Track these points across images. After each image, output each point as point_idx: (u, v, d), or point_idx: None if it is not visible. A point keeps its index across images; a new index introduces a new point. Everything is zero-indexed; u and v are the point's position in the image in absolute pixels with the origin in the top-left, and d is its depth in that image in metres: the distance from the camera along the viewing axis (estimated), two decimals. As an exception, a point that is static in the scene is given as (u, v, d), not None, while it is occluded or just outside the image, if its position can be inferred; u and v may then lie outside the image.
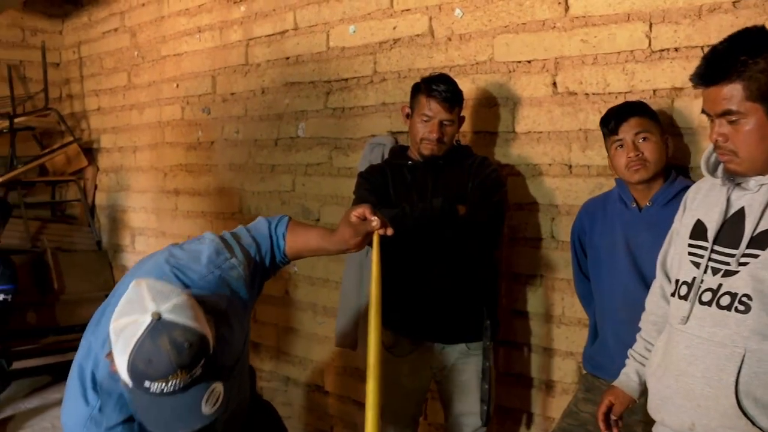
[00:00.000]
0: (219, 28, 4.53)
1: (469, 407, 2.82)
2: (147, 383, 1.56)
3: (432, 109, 2.76)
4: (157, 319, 1.56)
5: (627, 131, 2.42)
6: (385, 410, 2.91)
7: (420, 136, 2.80)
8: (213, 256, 1.96)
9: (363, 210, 1.98)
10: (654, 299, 2.11)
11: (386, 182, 2.87)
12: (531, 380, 3.16)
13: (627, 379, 2.15)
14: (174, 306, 1.59)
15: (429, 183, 2.81)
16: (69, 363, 5.43)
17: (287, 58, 4.07)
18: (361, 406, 3.84)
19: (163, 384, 1.55)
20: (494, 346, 2.92)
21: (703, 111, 1.80)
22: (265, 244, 2.10)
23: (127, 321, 1.58)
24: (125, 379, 1.60)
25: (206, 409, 1.61)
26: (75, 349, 5.50)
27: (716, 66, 1.72)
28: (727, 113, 1.72)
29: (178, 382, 1.55)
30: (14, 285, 4.57)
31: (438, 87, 2.75)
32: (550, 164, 3.02)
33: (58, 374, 5.27)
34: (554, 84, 2.98)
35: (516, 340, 3.18)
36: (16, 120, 5.57)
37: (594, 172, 2.89)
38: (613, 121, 2.46)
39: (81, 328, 5.41)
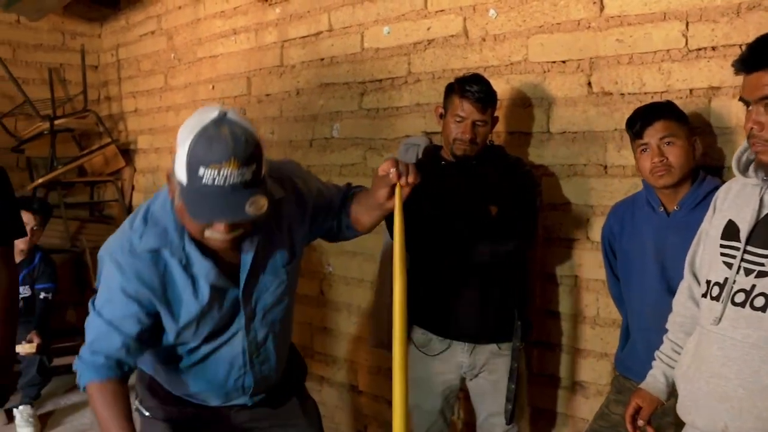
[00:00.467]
0: (254, 30, 4.56)
1: (500, 408, 2.82)
2: (201, 170, 1.61)
3: (465, 109, 2.76)
4: (224, 114, 1.67)
5: (652, 135, 2.38)
6: (416, 409, 2.95)
7: (453, 136, 2.80)
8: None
9: (387, 164, 1.89)
10: (681, 300, 2.08)
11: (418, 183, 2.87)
12: (564, 381, 3.15)
13: (654, 380, 2.12)
14: (241, 117, 1.71)
15: (462, 183, 2.81)
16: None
17: (322, 59, 4.10)
18: (394, 405, 3.85)
19: (215, 172, 1.60)
20: (528, 347, 2.92)
21: (741, 99, 1.77)
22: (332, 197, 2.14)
23: (195, 120, 1.68)
24: (181, 173, 1.66)
25: (250, 209, 1.65)
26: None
27: (760, 52, 1.70)
28: (766, 98, 1.69)
29: (229, 173, 1.60)
30: (54, 284, 4.66)
31: (471, 87, 2.75)
32: (585, 164, 3.00)
33: (97, 372, 5.35)
34: (589, 84, 2.96)
35: (550, 341, 3.17)
36: (56, 122, 5.65)
37: (629, 173, 2.86)
38: (638, 123, 2.42)
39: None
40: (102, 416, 1.78)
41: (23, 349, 4.37)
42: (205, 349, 1.96)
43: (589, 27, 2.93)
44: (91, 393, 1.82)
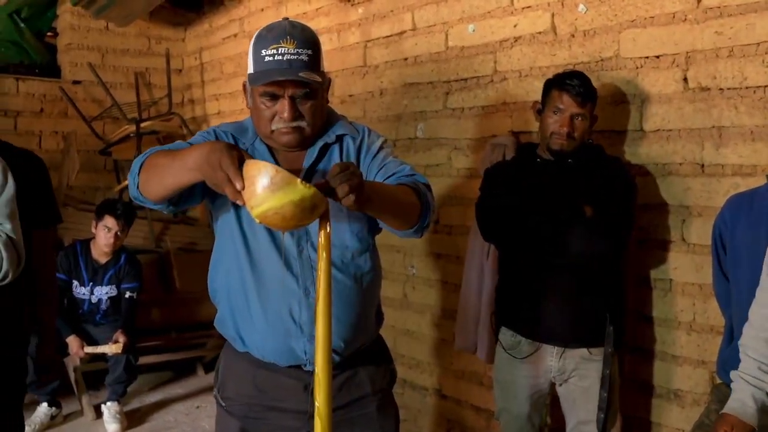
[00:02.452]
0: (337, 30, 4.56)
1: (590, 415, 2.75)
2: (263, 52, 1.84)
3: (564, 102, 2.72)
4: (286, 18, 1.93)
5: None
6: (503, 413, 2.90)
7: (550, 130, 2.76)
8: None
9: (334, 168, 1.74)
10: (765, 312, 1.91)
11: (513, 180, 2.82)
12: (659, 389, 3.03)
13: (741, 405, 1.93)
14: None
15: (557, 182, 2.74)
16: (190, 360, 5.62)
17: (405, 58, 4.06)
18: (479, 410, 3.79)
19: (275, 50, 1.83)
20: (619, 353, 2.83)
21: None
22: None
23: None
24: (249, 66, 1.89)
25: (302, 74, 1.81)
26: (195, 346, 5.65)
27: None
28: None
29: (286, 50, 1.83)
30: (140, 283, 4.74)
31: (571, 81, 2.72)
32: (680, 163, 2.89)
33: (180, 370, 5.44)
34: (685, 79, 2.85)
35: (643, 347, 3.07)
36: (141, 125, 5.76)
37: (729, 172, 2.74)
38: None
39: (201, 326, 5.57)
40: (165, 160, 1.79)
41: (110, 349, 4.46)
42: (261, 262, 1.96)
43: (686, 19, 2.82)
44: (143, 179, 1.83)
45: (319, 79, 1.85)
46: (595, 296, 2.72)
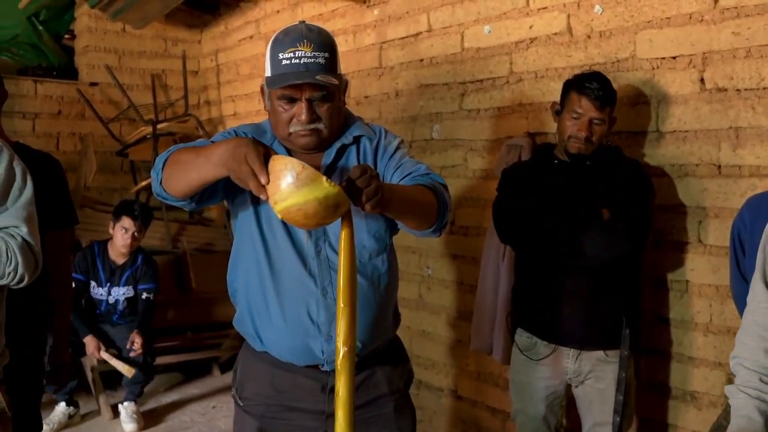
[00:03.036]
0: (352, 32, 4.57)
1: (606, 417, 2.74)
2: (280, 55, 1.86)
3: (583, 106, 2.70)
4: (302, 21, 1.93)
5: None
6: (519, 414, 2.90)
7: (568, 133, 2.74)
8: None
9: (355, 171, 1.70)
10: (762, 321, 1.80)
11: (530, 181, 2.82)
12: (675, 391, 3.02)
13: (749, 422, 1.79)
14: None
15: (574, 184, 2.74)
16: (205, 360, 5.64)
17: (421, 60, 4.06)
18: (495, 411, 3.79)
19: (292, 54, 1.85)
20: (635, 354, 2.81)
21: None
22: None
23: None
24: (266, 69, 1.91)
25: (319, 78, 1.83)
26: (211, 347, 5.67)
27: None
28: None
29: (302, 53, 1.85)
30: (156, 284, 4.77)
31: (591, 84, 2.69)
32: (697, 164, 2.88)
33: (195, 371, 5.47)
34: (702, 80, 2.84)
35: (659, 348, 3.05)
36: (158, 126, 5.79)
37: (746, 173, 2.73)
38: None
39: (217, 326, 5.59)
40: (189, 155, 1.81)
41: (124, 369, 4.48)
42: (280, 261, 1.98)
43: (702, 20, 2.81)
44: (167, 174, 1.85)
45: (336, 82, 1.87)
46: (612, 298, 2.71)
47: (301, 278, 1.95)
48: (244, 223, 2.03)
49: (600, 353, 2.74)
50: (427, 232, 1.94)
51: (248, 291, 2.04)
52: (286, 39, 1.88)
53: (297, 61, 1.85)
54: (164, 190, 1.87)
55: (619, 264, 2.69)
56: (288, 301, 1.96)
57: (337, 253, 1.90)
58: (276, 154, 1.65)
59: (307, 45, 1.85)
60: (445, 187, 1.94)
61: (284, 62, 1.86)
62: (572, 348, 2.76)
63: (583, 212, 2.65)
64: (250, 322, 2.06)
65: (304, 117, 1.89)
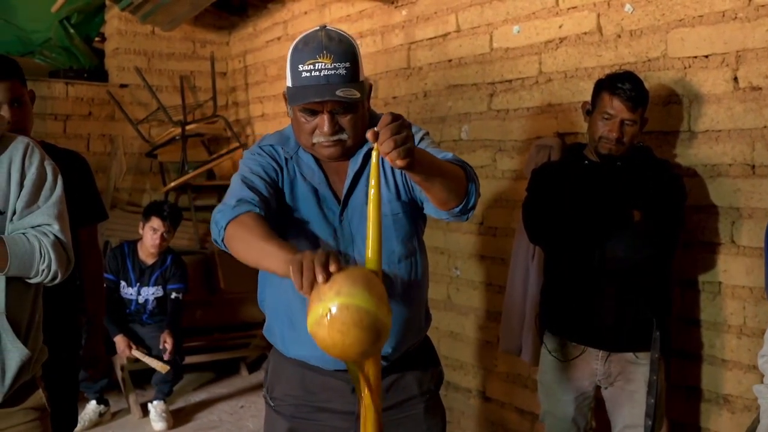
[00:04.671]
0: (380, 32, 4.57)
1: (636, 419, 2.72)
2: (300, 67, 1.82)
3: (614, 107, 2.68)
4: (323, 26, 1.89)
5: None
6: (548, 415, 2.88)
7: (599, 134, 2.72)
8: None
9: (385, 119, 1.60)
10: None
11: (560, 182, 2.81)
12: (707, 394, 2.99)
13: None
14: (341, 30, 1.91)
15: (605, 185, 2.72)
16: (233, 360, 5.66)
17: (449, 60, 4.05)
18: (523, 413, 3.77)
19: (312, 66, 1.81)
20: (666, 358, 2.79)
21: None
22: None
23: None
24: (288, 79, 1.88)
25: (340, 93, 1.79)
26: (239, 347, 5.71)
27: None
28: None
29: (323, 66, 1.80)
30: (185, 284, 4.80)
31: (623, 85, 2.67)
32: (730, 164, 2.85)
33: (224, 370, 5.50)
34: (735, 79, 2.81)
35: (690, 351, 3.02)
36: (187, 127, 5.84)
37: (781, 173, 2.70)
38: None
39: (244, 326, 5.62)
40: (249, 242, 1.74)
41: (158, 365, 4.52)
42: None
43: (736, 18, 2.78)
44: (230, 234, 1.80)
45: (357, 95, 1.82)
46: (642, 301, 2.68)
47: None
48: None
49: (630, 355, 2.72)
50: (455, 212, 1.85)
51: (275, 304, 2.05)
52: (305, 49, 1.84)
53: (317, 74, 1.81)
54: (225, 247, 1.84)
55: (649, 265, 2.67)
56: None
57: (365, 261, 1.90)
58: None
59: (326, 56, 1.81)
60: (474, 172, 1.88)
61: (304, 74, 1.82)
62: (601, 349, 2.74)
63: (614, 214, 2.63)
64: (278, 332, 2.07)
65: (326, 129, 1.87)
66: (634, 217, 2.63)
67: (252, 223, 1.78)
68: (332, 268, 1.46)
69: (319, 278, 1.45)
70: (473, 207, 1.87)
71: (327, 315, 1.41)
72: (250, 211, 1.82)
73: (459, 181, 1.80)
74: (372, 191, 1.60)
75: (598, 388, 2.84)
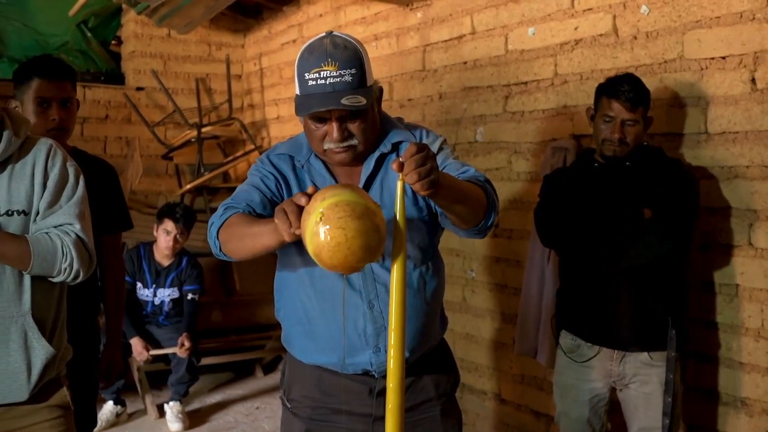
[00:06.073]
0: (396, 35, 4.57)
1: (652, 422, 2.71)
2: (306, 75, 1.83)
3: (613, 108, 2.71)
4: (329, 32, 1.89)
5: None
6: (563, 417, 2.88)
7: (602, 136, 2.75)
8: None
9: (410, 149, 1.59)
10: None
11: (571, 186, 2.82)
12: (725, 397, 2.97)
13: None
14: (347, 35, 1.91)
15: (614, 185, 2.73)
16: (249, 361, 5.68)
17: (465, 62, 4.06)
18: (539, 415, 3.76)
19: (317, 74, 1.81)
20: (682, 358, 2.77)
21: None
22: None
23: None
24: (296, 87, 1.89)
25: (345, 101, 1.79)
26: (254, 348, 5.72)
27: None
28: None
29: (328, 74, 1.80)
30: (201, 285, 4.83)
31: (621, 87, 2.70)
32: (747, 166, 2.83)
33: (239, 371, 5.52)
34: (753, 80, 2.79)
35: (707, 353, 3.00)
36: (202, 130, 5.87)
37: (799, 175, 2.68)
38: None
39: (260, 327, 5.63)
40: (239, 236, 1.79)
41: (176, 350, 4.55)
42: (322, 281, 1.96)
43: (754, 18, 2.77)
44: (223, 240, 1.85)
45: (364, 101, 1.82)
46: (657, 300, 2.68)
47: (346, 294, 1.95)
48: (285, 248, 2.00)
49: (645, 356, 2.71)
50: (471, 231, 1.89)
51: (292, 314, 2.06)
52: (310, 58, 1.84)
53: (323, 82, 1.81)
54: (226, 255, 1.88)
55: (662, 264, 2.67)
56: (333, 320, 1.96)
57: (380, 264, 1.90)
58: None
59: (332, 64, 1.81)
60: (493, 188, 1.91)
61: (310, 83, 1.83)
62: (616, 350, 2.74)
63: (625, 214, 2.64)
64: (297, 342, 2.08)
65: (335, 136, 1.87)
66: (644, 215, 2.63)
67: (236, 220, 1.83)
68: (309, 190, 1.53)
69: (302, 201, 1.51)
70: (491, 227, 1.90)
71: (320, 219, 1.44)
72: (233, 213, 1.86)
73: (480, 204, 1.83)
74: (398, 216, 1.59)
75: (613, 390, 2.83)
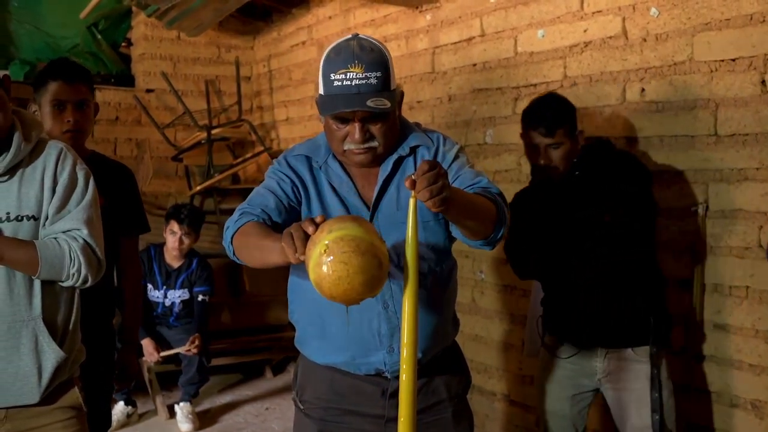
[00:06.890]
0: (405, 37, 4.58)
1: (644, 420, 2.71)
2: (332, 76, 1.85)
3: (533, 137, 2.75)
4: (356, 34, 1.92)
5: None
6: (549, 414, 2.91)
7: (532, 162, 2.83)
8: None
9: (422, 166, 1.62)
10: None
11: (532, 209, 2.87)
12: (736, 399, 2.97)
13: None
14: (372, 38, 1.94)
15: (572, 196, 2.76)
16: (258, 362, 5.70)
17: (474, 64, 4.06)
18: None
19: (343, 75, 1.83)
20: (691, 360, 2.77)
21: None
22: None
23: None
24: (320, 86, 1.91)
25: (370, 103, 1.82)
26: (263, 349, 5.73)
27: None
28: None
29: (354, 75, 1.83)
30: (211, 287, 4.85)
31: (536, 113, 2.75)
32: (757, 168, 2.83)
33: (249, 372, 5.53)
34: (763, 82, 2.79)
35: (717, 355, 3.00)
36: (212, 131, 5.89)
37: (809, 177, 2.68)
38: None
39: (269, 329, 5.63)
40: (251, 247, 1.82)
41: (185, 349, 4.57)
42: None
43: (764, 20, 2.77)
44: (236, 247, 1.88)
45: (388, 104, 1.85)
46: (630, 298, 2.69)
47: None
48: None
49: (629, 352, 2.72)
50: (479, 243, 1.91)
51: (306, 316, 2.08)
52: (337, 59, 1.86)
53: (348, 83, 1.83)
54: (239, 259, 1.90)
55: (633, 260, 2.69)
56: (347, 320, 1.97)
57: (394, 264, 1.91)
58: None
59: (358, 66, 1.83)
60: (504, 201, 1.92)
61: (336, 83, 1.85)
62: (599, 347, 2.76)
63: (585, 221, 2.68)
64: (310, 344, 2.10)
65: (357, 137, 1.90)
66: (604, 218, 2.66)
67: (250, 230, 1.84)
68: (318, 219, 1.55)
69: (309, 229, 1.53)
70: (500, 240, 1.92)
71: (325, 251, 1.47)
72: (248, 221, 1.88)
73: (489, 218, 1.84)
74: (410, 233, 1.62)
75: (598, 391, 2.84)
